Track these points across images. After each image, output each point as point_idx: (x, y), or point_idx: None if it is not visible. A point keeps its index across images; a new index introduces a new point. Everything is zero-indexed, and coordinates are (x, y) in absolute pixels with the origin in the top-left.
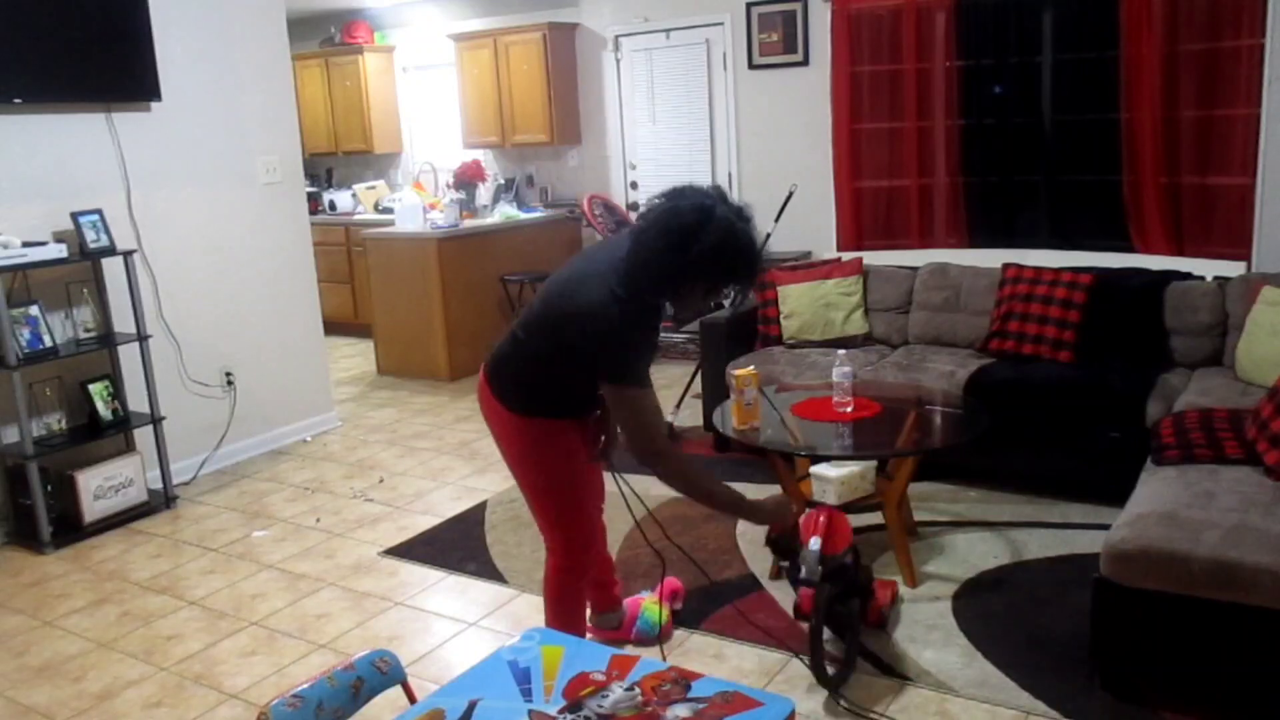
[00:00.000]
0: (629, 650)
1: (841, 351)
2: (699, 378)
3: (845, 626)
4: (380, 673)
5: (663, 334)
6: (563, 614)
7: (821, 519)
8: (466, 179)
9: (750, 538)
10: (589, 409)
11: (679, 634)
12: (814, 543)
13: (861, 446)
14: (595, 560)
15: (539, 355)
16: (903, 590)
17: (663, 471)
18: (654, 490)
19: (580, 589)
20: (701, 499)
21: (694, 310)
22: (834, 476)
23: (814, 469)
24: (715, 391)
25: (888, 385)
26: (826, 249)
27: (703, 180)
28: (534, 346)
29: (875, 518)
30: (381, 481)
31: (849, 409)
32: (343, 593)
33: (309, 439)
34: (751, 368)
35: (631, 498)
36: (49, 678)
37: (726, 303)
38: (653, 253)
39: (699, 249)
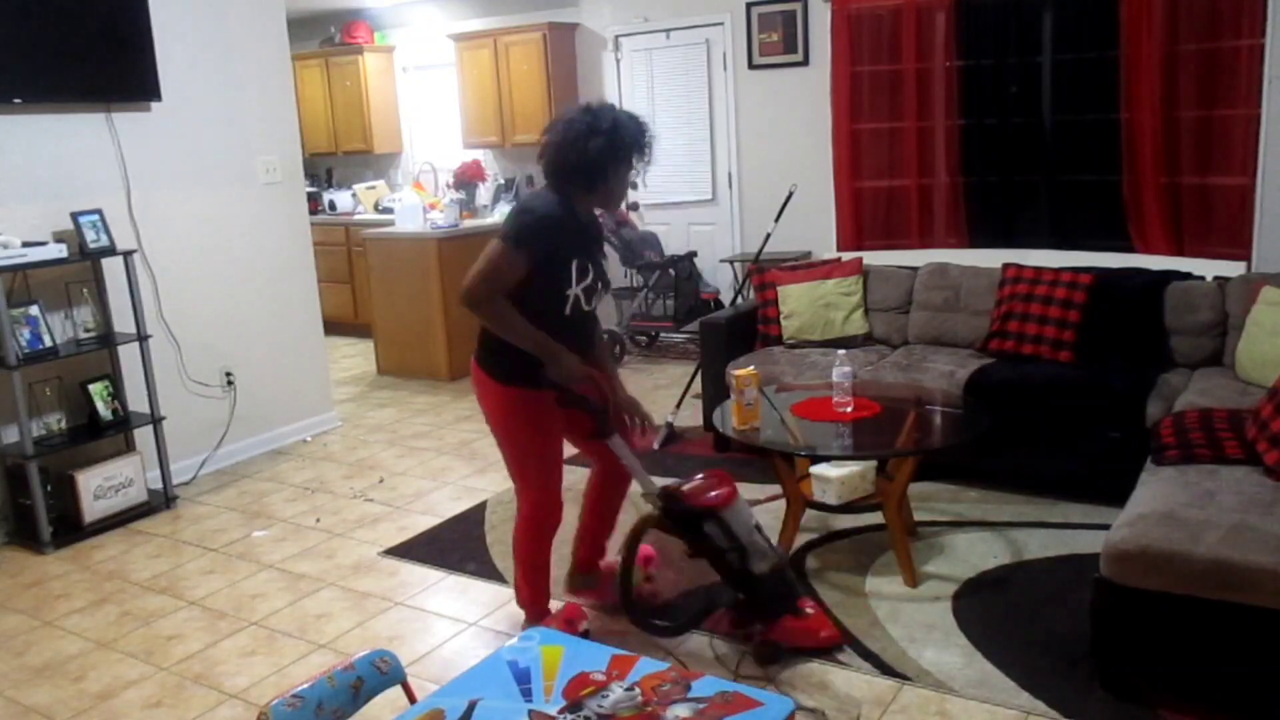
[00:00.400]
0: (630, 650)
1: (841, 352)
2: (699, 378)
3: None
4: (380, 673)
5: (663, 334)
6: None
7: (714, 480)
8: (466, 179)
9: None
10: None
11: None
12: (676, 482)
13: (861, 447)
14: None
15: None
16: (902, 589)
17: (482, 313)
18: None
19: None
20: (515, 338)
21: (618, 197)
22: (834, 476)
23: (814, 469)
24: (715, 391)
25: (888, 385)
26: (826, 249)
27: (703, 181)
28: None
29: (875, 518)
30: (381, 481)
31: (849, 409)
32: (343, 593)
33: (309, 439)
34: (752, 368)
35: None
36: (49, 678)
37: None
38: (575, 151)
39: (609, 130)
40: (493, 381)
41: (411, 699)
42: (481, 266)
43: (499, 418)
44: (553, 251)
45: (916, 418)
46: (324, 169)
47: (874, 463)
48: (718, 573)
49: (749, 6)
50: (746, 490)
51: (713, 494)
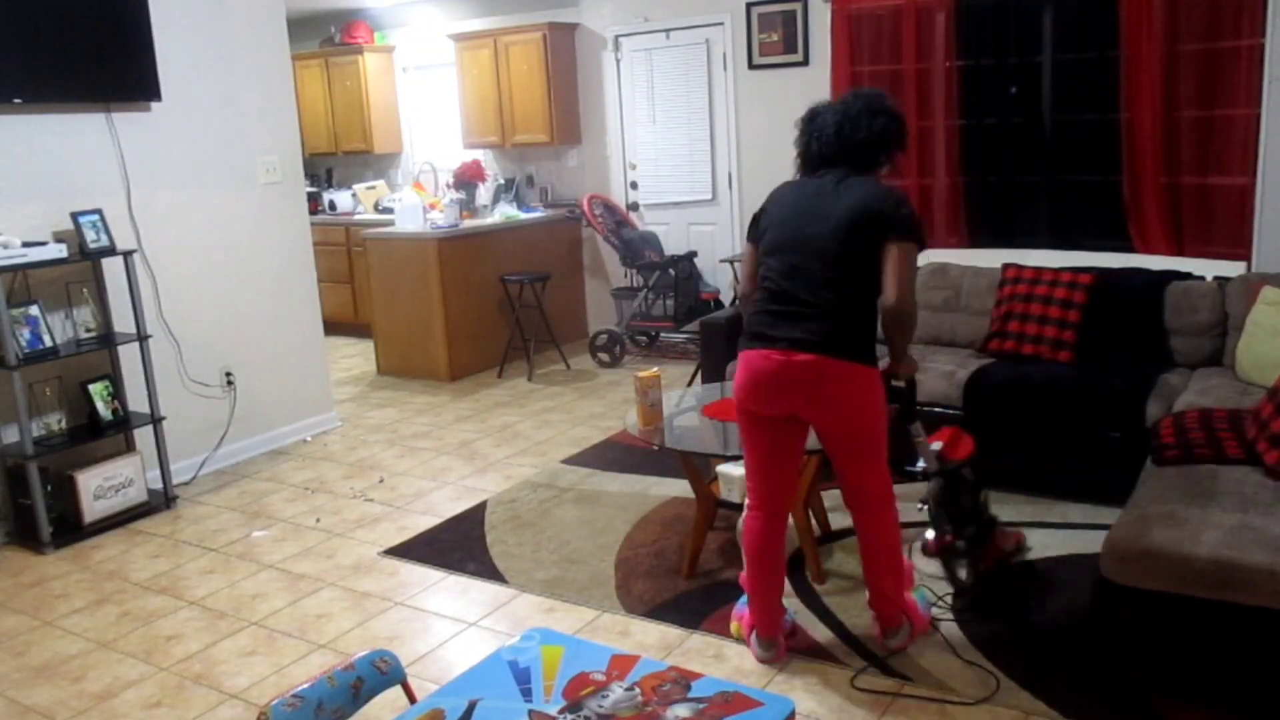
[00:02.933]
0: (629, 650)
1: None
2: (699, 377)
3: (959, 523)
4: (380, 673)
5: (663, 334)
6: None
7: (948, 431)
8: (466, 179)
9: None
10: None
11: (678, 634)
12: (936, 445)
13: None
14: None
15: (858, 290)
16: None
17: (908, 319)
18: (653, 491)
19: None
20: (908, 336)
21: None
22: (738, 476)
23: (720, 468)
24: None
25: None
26: None
27: (703, 181)
28: (849, 285)
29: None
30: (381, 481)
31: None
32: (343, 593)
33: (309, 439)
34: (655, 369)
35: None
36: (49, 678)
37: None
38: (871, 133)
39: (889, 110)
40: (869, 368)
41: (411, 699)
42: (908, 276)
43: (877, 402)
44: None
45: None
46: (324, 169)
47: None
48: (955, 527)
49: (749, 6)
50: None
51: (956, 446)
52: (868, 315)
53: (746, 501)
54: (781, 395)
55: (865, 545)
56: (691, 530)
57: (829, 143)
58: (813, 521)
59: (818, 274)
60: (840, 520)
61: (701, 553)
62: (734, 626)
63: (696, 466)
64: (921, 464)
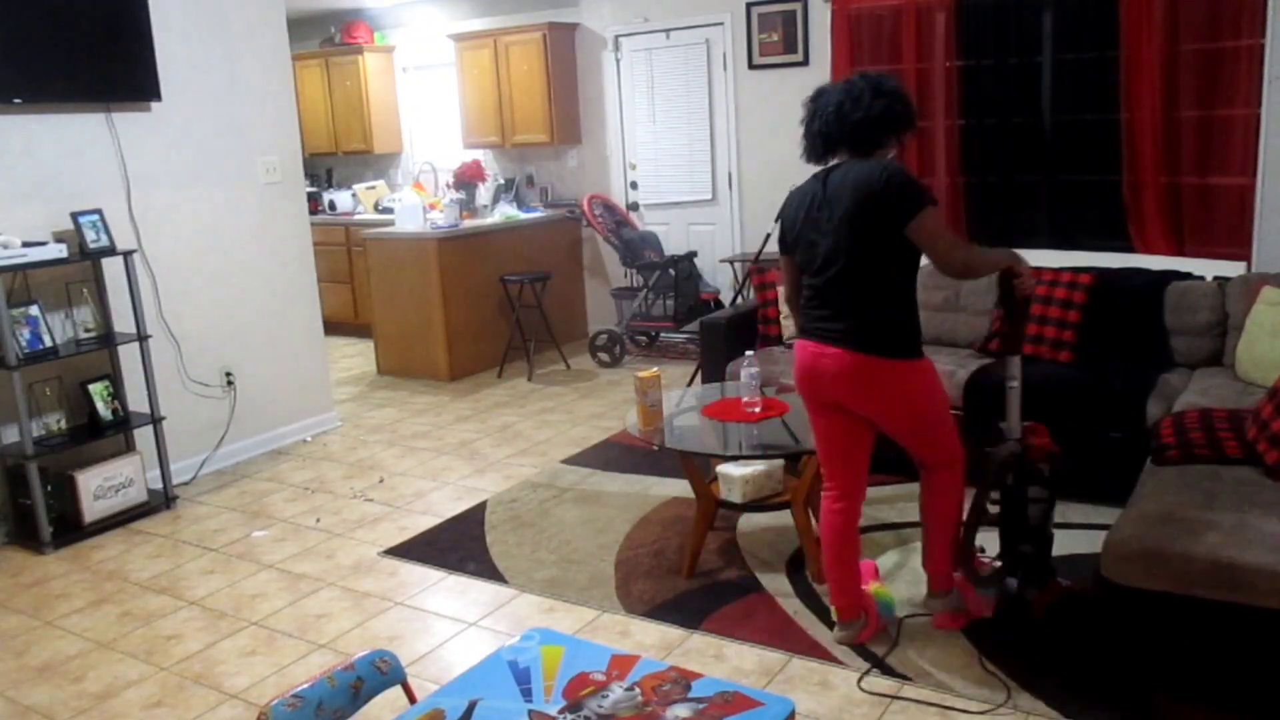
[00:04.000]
0: (629, 650)
1: (750, 353)
2: (699, 377)
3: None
4: (380, 673)
5: (663, 334)
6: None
7: (1035, 425)
8: (466, 179)
9: (752, 538)
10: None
11: (679, 634)
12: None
13: (762, 446)
14: None
15: (880, 280)
16: (903, 590)
17: (971, 269)
18: (653, 491)
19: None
20: (990, 266)
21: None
22: (738, 475)
23: (720, 468)
24: None
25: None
26: None
27: (703, 181)
28: (868, 276)
29: (878, 518)
30: (381, 481)
31: (757, 409)
32: (343, 593)
33: (309, 439)
34: (655, 369)
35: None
36: (49, 678)
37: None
38: (870, 112)
39: (894, 91)
40: (912, 361)
41: (411, 699)
42: (944, 237)
43: (930, 390)
44: None
45: None
46: (324, 169)
47: (781, 462)
48: (1008, 524)
49: (749, 6)
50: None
51: (1037, 442)
52: (902, 306)
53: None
54: (822, 387)
55: (928, 505)
56: (691, 530)
57: (829, 121)
58: (812, 522)
59: (841, 273)
60: None
61: (701, 553)
62: (874, 587)
63: (697, 466)
64: (1005, 432)
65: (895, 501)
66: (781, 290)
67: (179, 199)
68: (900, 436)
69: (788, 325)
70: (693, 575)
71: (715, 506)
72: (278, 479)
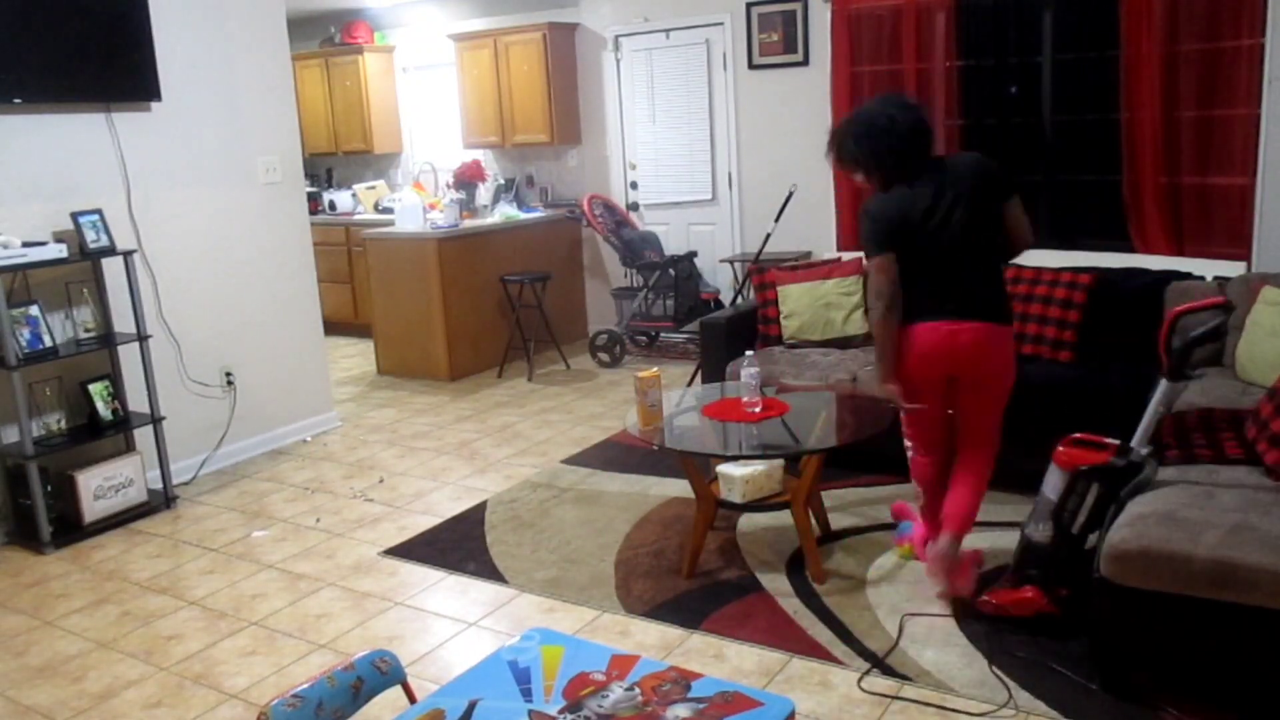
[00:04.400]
0: (629, 650)
1: (750, 353)
2: (699, 377)
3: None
4: (380, 673)
5: (663, 334)
6: None
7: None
8: (466, 179)
9: (752, 537)
10: None
11: (679, 634)
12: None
13: (762, 446)
14: None
15: (994, 258)
16: (902, 590)
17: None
18: (653, 491)
19: None
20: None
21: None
22: (738, 475)
23: (720, 468)
24: None
25: (836, 385)
26: (826, 249)
27: (703, 181)
28: (989, 255)
29: (878, 518)
30: (381, 481)
31: (757, 409)
32: (343, 593)
33: (309, 439)
34: (655, 369)
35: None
36: (49, 678)
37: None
38: (926, 124)
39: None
40: (1012, 326)
41: (411, 699)
42: (1029, 222)
43: (1013, 364)
44: None
45: (823, 417)
46: (324, 169)
47: (781, 462)
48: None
49: (749, 6)
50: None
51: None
52: (1005, 280)
53: (912, 447)
54: (956, 361)
55: (976, 476)
56: (691, 530)
57: (905, 138)
58: (812, 522)
59: (970, 255)
60: (839, 521)
61: (701, 553)
62: (905, 549)
63: (697, 467)
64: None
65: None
66: (877, 285)
67: (179, 199)
68: (998, 402)
69: (788, 325)
70: (693, 575)
71: (715, 507)
72: (278, 479)
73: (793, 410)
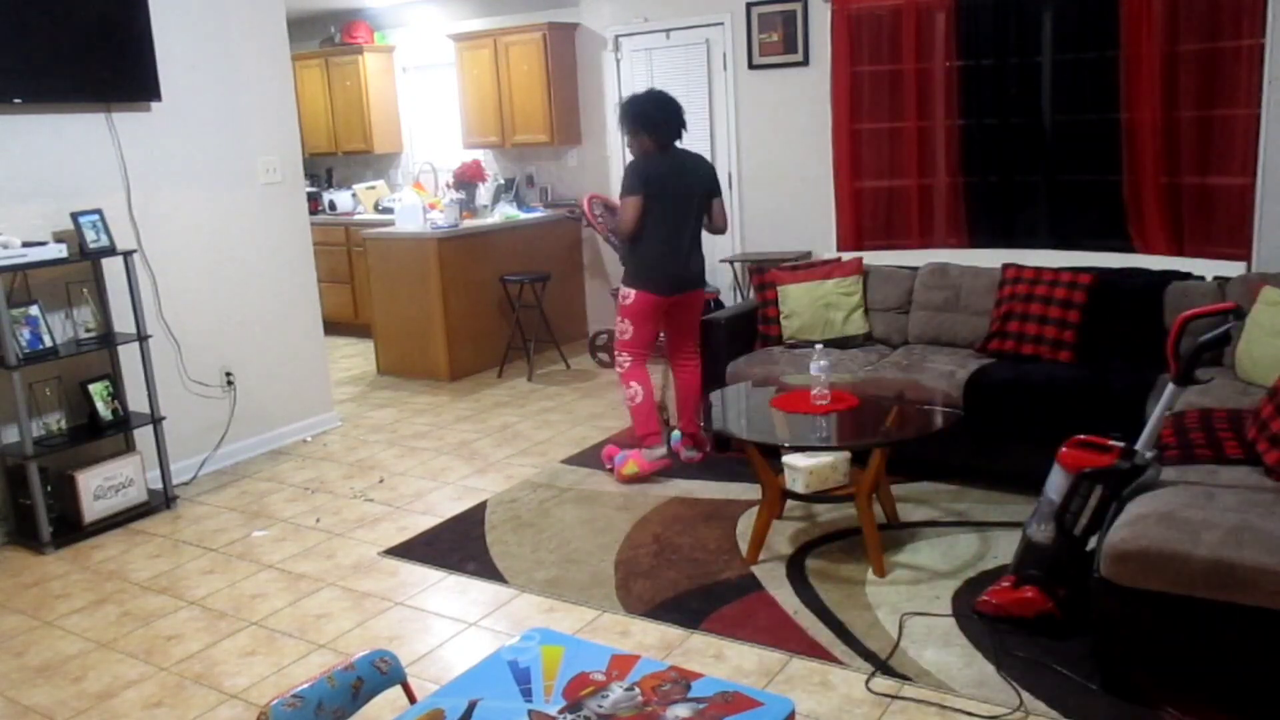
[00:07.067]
0: (629, 650)
1: (819, 345)
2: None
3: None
4: (380, 673)
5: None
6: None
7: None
8: (466, 179)
9: (751, 537)
10: None
11: (679, 634)
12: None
13: (829, 437)
14: None
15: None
16: (902, 590)
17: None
18: (653, 491)
19: None
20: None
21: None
22: (803, 466)
23: (786, 459)
24: None
25: (873, 382)
26: (826, 249)
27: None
28: (695, 217)
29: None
30: (381, 481)
31: (825, 401)
32: (343, 593)
33: (309, 439)
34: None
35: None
36: (49, 678)
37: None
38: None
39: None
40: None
41: (411, 699)
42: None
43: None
44: None
45: (895, 411)
46: (324, 169)
47: (846, 454)
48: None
49: (749, 6)
50: (744, 489)
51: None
52: (701, 241)
53: (628, 355)
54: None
55: (692, 381)
56: (757, 518)
57: (678, 122)
58: (877, 510)
59: (685, 218)
60: (843, 521)
61: (765, 540)
62: (631, 468)
63: (763, 456)
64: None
65: (936, 501)
66: (628, 216)
67: (179, 199)
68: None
69: (788, 325)
70: (756, 561)
71: (782, 495)
72: (278, 479)
73: (861, 405)
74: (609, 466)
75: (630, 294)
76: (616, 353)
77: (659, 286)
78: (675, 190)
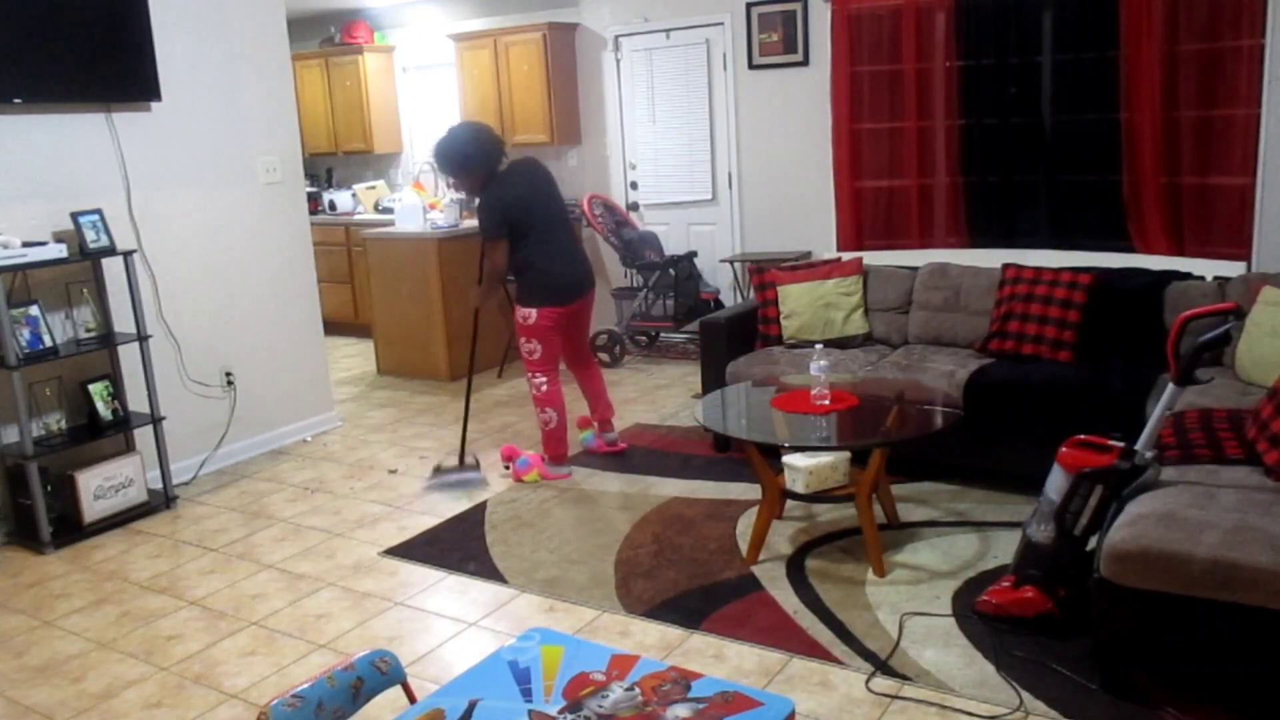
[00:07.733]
0: (629, 650)
1: (819, 345)
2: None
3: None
4: (380, 673)
5: (663, 334)
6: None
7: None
8: None
9: (751, 537)
10: None
11: (679, 634)
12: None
13: (829, 437)
14: None
15: None
16: (902, 590)
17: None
18: (653, 491)
19: None
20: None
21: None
22: (803, 466)
23: (785, 458)
24: None
25: (873, 382)
26: (826, 249)
27: (703, 181)
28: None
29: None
30: (393, 472)
31: (826, 401)
32: (343, 593)
33: (309, 439)
34: None
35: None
36: (49, 678)
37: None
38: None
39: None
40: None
41: (411, 699)
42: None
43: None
44: None
45: (895, 412)
46: (324, 169)
47: (846, 454)
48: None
49: (749, 6)
50: (744, 489)
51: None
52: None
53: (544, 376)
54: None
55: (596, 381)
56: (757, 518)
57: (499, 146)
58: (878, 510)
59: (563, 226)
60: (844, 520)
61: (765, 540)
62: (533, 475)
63: (763, 456)
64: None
65: (936, 501)
66: (495, 263)
67: (179, 199)
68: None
69: (788, 325)
70: (756, 562)
71: (782, 495)
72: (278, 479)
73: (861, 405)
74: (506, 465)
75: (532, 313)
76: (530, 375)
77: (561, 298)
78: (534, 204)
